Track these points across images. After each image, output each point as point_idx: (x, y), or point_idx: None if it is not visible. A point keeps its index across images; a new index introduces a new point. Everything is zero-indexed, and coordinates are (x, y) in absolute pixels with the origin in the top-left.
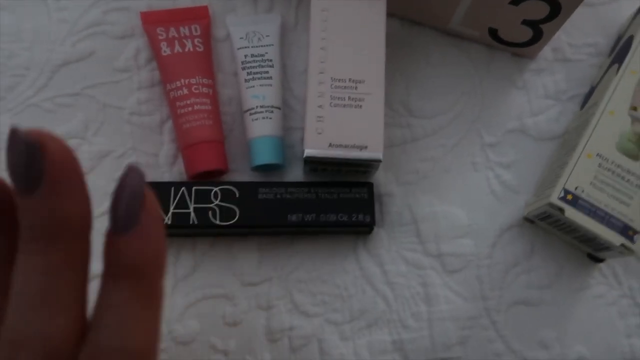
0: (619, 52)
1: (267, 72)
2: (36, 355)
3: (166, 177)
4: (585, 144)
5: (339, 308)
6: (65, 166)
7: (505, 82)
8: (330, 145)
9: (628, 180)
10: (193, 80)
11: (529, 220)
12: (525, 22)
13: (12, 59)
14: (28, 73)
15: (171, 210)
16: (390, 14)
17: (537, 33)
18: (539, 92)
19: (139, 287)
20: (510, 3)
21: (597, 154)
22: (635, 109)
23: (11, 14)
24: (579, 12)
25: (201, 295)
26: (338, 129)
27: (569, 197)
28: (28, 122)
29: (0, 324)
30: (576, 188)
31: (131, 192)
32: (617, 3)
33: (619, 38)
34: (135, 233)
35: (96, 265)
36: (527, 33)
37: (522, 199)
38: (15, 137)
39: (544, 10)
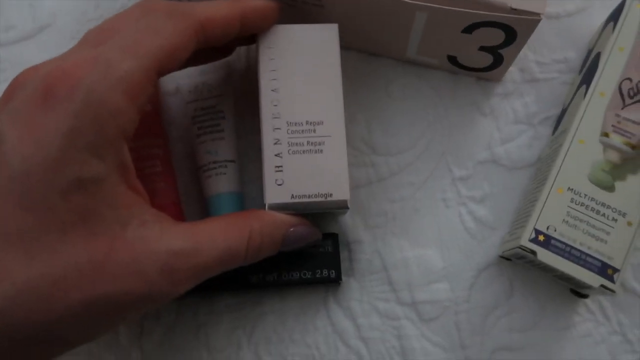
0: (587, 72)
1: (218, 124)
2: None
3: None
4: (555, 178)
5: None
6: None
7: (472, 109)
8: (292, 196)
9: (604, 215)
10: (140, 143)
11: (505, 258)
12: (483, 49)
13: None
14: None
15: None
16: (345, 48)
17: (498, 58)
18: (508, 117)
19: None
20: (462, 32)
21: (569, 188)
22: (607, 135)
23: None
24: (545, 27)
25: None
26: (299, 178)
27: (541, 237)
28: None
29: None
30: (548, 227)
31: None
32: (585, 13)
33: (589, 52)
34: None
35: None
36: (487, 58)
37: (498, 235)
38: None
39: (499, 36)
